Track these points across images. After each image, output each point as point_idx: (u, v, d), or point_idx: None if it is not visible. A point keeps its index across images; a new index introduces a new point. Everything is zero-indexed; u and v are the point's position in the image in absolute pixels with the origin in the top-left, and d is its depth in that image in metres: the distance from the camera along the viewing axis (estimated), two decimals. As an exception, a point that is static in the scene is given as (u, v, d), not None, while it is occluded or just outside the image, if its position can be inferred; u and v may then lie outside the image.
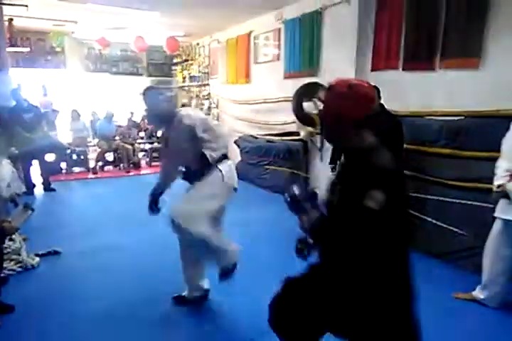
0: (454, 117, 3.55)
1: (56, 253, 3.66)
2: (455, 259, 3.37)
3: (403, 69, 4.16)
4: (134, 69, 10.43)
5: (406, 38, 4.05)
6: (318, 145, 5.53)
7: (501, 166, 2.55)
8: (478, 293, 2.76)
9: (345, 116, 1.39)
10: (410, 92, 4.10)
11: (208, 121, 2.61)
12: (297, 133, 5.76)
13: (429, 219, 3.65)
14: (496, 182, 2.52)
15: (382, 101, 3.55)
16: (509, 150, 2.55)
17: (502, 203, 2.54)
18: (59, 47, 8.91)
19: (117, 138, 8.04)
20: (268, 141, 6.46)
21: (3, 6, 5.79)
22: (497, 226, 2.62)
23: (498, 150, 2.98)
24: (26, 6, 5.66)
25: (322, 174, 5.49)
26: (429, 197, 3.67)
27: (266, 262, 3.41)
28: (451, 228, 3.46)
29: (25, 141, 5.54)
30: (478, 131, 3.29)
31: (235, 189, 2.70)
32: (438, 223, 3.57)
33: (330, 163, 4.26)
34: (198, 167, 2.57)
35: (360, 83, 1.44)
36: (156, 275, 3.19)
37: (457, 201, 3.45)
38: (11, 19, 6.33)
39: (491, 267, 2.66)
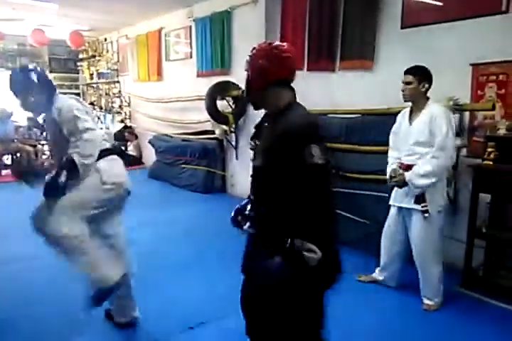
0: (352, 115, 3.85)
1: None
2: (359, 245, 3.66)
3: (308, 70, 4.39)
4: (33, 64, 9.58)
5: (309, 39, 4.28)
6: (234, 143, 5.63)
7: (391, 156, 2.85)
8: (378, 275, 3.04)
9: (268, 73, 1.45)
10: (316, 92, 4.34)
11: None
12: (212, 132, 5.79)
13: (339, 211, 3.92)
14: (388, 169, 2.79)
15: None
16: (394, 141, 2.84)
17: (395, 192, 2.83)
18: None
19: (16, 139, 7.34)
20: (183, 140, 6.41)
21: None
22: (391, 213, 2.91)
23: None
24: None
25: (238, 171, 5.60)
26: (337, 189, 3.94)
27: (178, 260, 3.41)
28: (354, 217, 3.77)
29: None
30: (373, 128, 3.62)
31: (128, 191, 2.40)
32: (343, 213, 3.85)
33: (251, 140, 4.37)
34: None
35: (282, 44, 1.53)
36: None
37: (358, 192, 3.76)
38: None
39: (387, 250, 2.94)
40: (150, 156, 7.56)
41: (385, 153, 3.49)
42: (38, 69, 2.33)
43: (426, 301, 2.70)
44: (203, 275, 3.15)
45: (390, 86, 3.57)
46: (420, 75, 2.56)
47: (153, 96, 7.35)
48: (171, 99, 6.75)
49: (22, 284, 3.02)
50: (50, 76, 9.47)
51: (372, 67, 3.77)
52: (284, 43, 1.55)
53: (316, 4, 4.15)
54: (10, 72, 2.27)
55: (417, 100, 2.62)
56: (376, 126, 3.59)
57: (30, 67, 2.33)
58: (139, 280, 2.95)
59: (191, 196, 5.78)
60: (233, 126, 5.52)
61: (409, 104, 2.69)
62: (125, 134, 8.18)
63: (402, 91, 2.63)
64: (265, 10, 4.66)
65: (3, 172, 7.37)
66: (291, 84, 1.51)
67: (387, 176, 2.79)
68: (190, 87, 6.28)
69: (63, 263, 2.23)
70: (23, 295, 2.86)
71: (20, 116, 7.85)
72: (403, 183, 2.61)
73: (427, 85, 2.56)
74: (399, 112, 3.03)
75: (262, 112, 1.65)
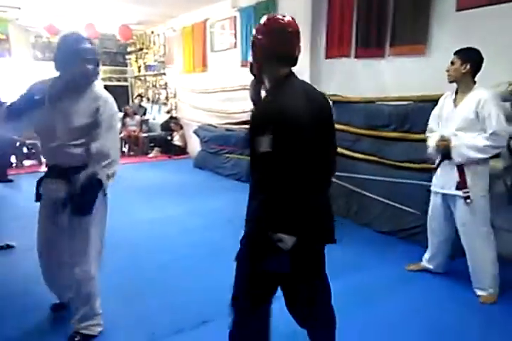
0: (403, 102, 3.72)
1: (9, 247, 3.51)
2: (409, 235, 3.57)
3: (355, 57, 4.29)
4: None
5: (357, 25, 4.18)
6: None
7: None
8: (427, 263, 2.98)
9: (263, 48, 1.48)
10: (363, 79, 4.25)
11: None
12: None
13: (382, 199, 3.84)
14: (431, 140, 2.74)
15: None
16: (436, 125, 2.82)
17: (437, 178, 2.76)
18: (2, 34, 8.39)
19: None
20: (227, 130, 6.48)
21: None
22: (434, 200, 2.83)
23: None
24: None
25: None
26: (381, 178, 3.85)
27: (224, 247, 3.47)
28: (403, 207, 3.67)
29: None
30: (426, 115, 3.47)
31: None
32: (391, 203, 3.77)
33: None
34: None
35: (281, 17, 1.50)
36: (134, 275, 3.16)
37: (407, 181, 3.65)
38: None
39: (434, 238, 2.89)
40: (195, 146, 7.72)
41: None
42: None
43: (479, 292, 2.60)
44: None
45: (443, 71, 3.43)
46: (464, 56, 2.51)
47: (198, 87, 7.47)
48: (215, 89, 6.84)
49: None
50: (101, 69, 9.94)
51: (424, 52, 3.62)
52: (286, 17, 1.50)
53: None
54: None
55: (461, 82, 2.57)
56: (428, 113, 3.45)
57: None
58: (190, 268, 3.08)
59: (235, 185, 5.85)
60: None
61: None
62: (171, 125, 8.39)
63: (447, 71, 2.60)
64: (312, -4, 4.58)
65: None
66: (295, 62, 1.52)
67: (431, 143, 2.72)
68: (234, 77, 6.31)
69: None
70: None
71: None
72: (446, 151, 2.57)
73: (468, 67, 2.49)
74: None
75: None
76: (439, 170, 2.76)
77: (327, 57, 4.62)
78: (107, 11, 7.20)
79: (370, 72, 4.16)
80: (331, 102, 1.67)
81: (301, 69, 4.64)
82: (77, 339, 2.10)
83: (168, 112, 8.81)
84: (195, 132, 7.23)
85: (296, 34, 1.50)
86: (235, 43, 6.30)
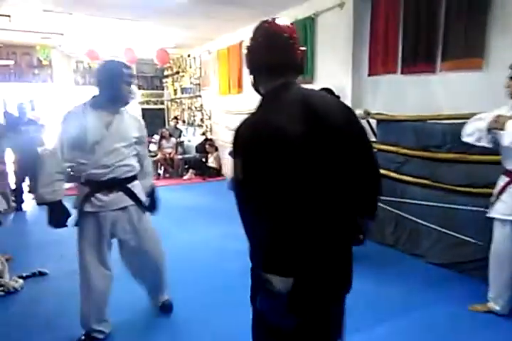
0: (458, 120, 3.39)
1: (42, 274, 3.41)
2: (469, 269, 3.17)
3: (402, 73, 4.03)
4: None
5: (404, 40, 3.93)
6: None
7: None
8: (494, 304, 2.58)
9: (249, 56, 1.35)
10: (410, 96, 3.97)
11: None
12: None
13: (437, 227, 3.47)
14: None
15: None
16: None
17: (501, 202, 2.43)
18: (46, 60, 8.74)
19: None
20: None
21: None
22: (498, 228, 2.48)
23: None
24: (8, 16, 5.50)
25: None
26: (435, 204, 3.50)
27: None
28: (462, 237, 3.29)
29: (24, 154, 5.56)
30: (486, 134, 3.14)
31: None
32: (447, 231, 3.39)
33: None
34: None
35: (267, 23, 1.31)
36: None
37: (466, 208, 3.29)
38: (-5, 31, 6.18)
39: (501, 273, 2.51)
40: (229, 168, 7.57)
41: (499, 163, 3.04)
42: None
43: None
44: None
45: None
46: None
47: (233, 109, 7.39)
48: (251, 110, 6.69)
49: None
50: (139, 93, 10.16)
51: (481, 66, 3.31)
52: (281, 21, 1.29)
53: (413, 2, 3.79)
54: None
55: None
56: (489, 132, 3.12)
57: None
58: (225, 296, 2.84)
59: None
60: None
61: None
62: (206, 146, 8.33)
63: (507, 87, 2.35)
64: (353, 12, 4.39)
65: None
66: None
67: (487, 122, 2.43)
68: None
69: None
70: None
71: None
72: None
73: None
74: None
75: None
76: (504, 193, 2.42)
77: (370, 74, 4.39)
78: (145, 35, 7.35)
79: (419, 88, 3.88)
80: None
81: (343, 88, 4.46)
82: None
83: (203, 134, 8.78)
84: (230, 154, 7.08)
85: (291, 39, 1.28)
86: (272, 63, 6.18)
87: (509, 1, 3.13)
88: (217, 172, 8.20)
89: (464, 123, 3.33)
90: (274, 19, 1.31)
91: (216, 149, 8.33)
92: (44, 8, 5.36)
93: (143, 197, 2.43)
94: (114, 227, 2.32)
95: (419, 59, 3.80)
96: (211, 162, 8.26)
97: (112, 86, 2.18)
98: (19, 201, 5.74)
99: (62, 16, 5.78)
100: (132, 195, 2.33)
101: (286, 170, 1.14)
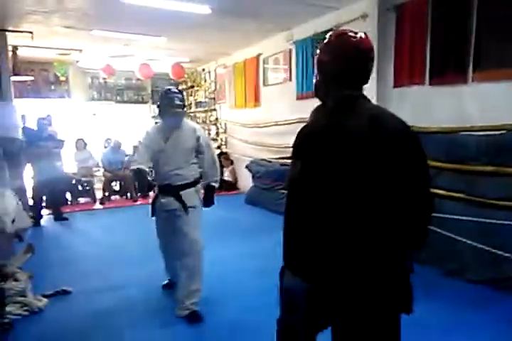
0: (493, 132, 3.29)
1: (65, 292, 3.31)
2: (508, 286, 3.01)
3: (430, 84, 3.95)
4: (138, 97, 10.34)
5: (432, 50, 3.86)
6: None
7: None
8: None
9: (318, 64, 1.35)
10: (439, 108, 3.88)
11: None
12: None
13: (475, 244, 3.32)
14: None
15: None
16: None
17: None
18: (63, 76, 8.83)
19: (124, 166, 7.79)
20: (282, 165, 6.19)
21: (9, 35, 5.69)
22: None
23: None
24: (31, 32, 5.56)
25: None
26: (473, 219, 3.36)
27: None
28: (500, 252, 3.14)
29: (43, 170, 5.62)
30: (525, 146, 3.03)
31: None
32: (486, 248, 3.25)
33: None
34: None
35: (343, 33, 1.32)
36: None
37: (506, 223, 3.14)
38: (16, 48, 6.24)
39: None
40: (245, 181, 7.50)
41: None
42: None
43: None
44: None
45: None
46: None
47: (249, 122, 7.35)
48: (267, 123, 6.67)
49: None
50: (153, 107, 10.19)
51: (517, 76, 3.22)
52: (357, 33, 1.29)
53: (442, 11, 3.73)
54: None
55: None
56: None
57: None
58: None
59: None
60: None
61: None
62: (221, 160, 8.26)
63: None
64: (377, 23, 4.35)
65: (112, 197, 7.84)
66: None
67: None
68: (288, 110, 6.12)
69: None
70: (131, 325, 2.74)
71: (126, 145, 8.36)
72: None
73: None
74: None
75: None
76: None
77: (396, 85, 4.31)
78: (161, 50, 7.39)
79: (449, 100, 3.79)
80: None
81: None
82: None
83: (218, 147, 8.73)
84: (247, 167, 7.02)
85: (366, 52, 1.30)
86: (290, 76, 6.16)
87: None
88: (232, 185, 8.12)
89: (500, 134, 3.25)
90: (350, 31, 1.32)
91: (232, 163, 8.27)
92: (65, 25, 5.41)
93: (191, 203, 2.82)
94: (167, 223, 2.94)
95: (449, 70, 3.71)
96: (227, 175, 8.18)
97: (164, 111, 2.81)
98: (37, 217, 5.69)
99: (82, 32, 5.83)
100: (180, 200, 2.79)
101: (348, 173, 1.20)
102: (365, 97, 1.32)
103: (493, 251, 3.19)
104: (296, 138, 1.39)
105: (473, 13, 3.47)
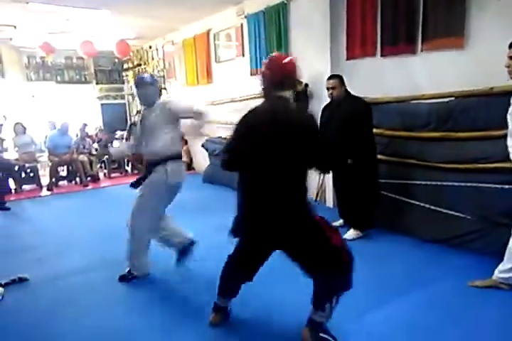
0: (442, 99, 3.47)
1: (22, 280, 3.13)
2: (463, 243, 3.26)
3: (382, 56, 4.06)
4: (80, 77, 9.77)
5: (382, 21, 3.95)
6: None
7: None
8: (501, 278, 2.53)
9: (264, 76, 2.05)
10: (391, 78, 4.00)
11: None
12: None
13: (427, 206, 3.54)
14: None
15: (348, 88, 3.66)
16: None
17: None
18: (-5, 55, 8.11)
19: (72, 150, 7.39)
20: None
21: None
22: None
23: (496, 128, 2.94)
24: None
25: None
26: (423, 182, 3.57)
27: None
28: (451, 212, 3.37)
29: None
30: (472, 111, 3.23)
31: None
32: (437, 209, 3.47)
33: None
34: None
35: (277, 58, 2.08)
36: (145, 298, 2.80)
37: (453, 184, 3.37)
38: None
39: None
40: (201, 161, 7.41)
41: (488, 138, 3.13)
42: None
43: None
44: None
45: (488, 64, 3.19)
46: None
47: (202, 100, 7.19)
48: (222, 100, 6.57)
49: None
50: (97, 87, 9.71)
51: (463, 45, 3.38)
52: (284, 57, 2.05)
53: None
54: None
55: None
56: (475, 109, 3.20)
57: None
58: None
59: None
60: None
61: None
62: (174, 140, 8.07)
63: (507, 67, 2.29)
64: (330, -4, 4.36)
65: (60, 183, 7.45)
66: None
67: None
68: (243, 86, 6.06)
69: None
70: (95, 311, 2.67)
71: (73, 129, 7.91)
72: None
73: None
74: (506, 92, 2.68)
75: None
76: None
77: (348, 58, 4.39)
78: (103, 26, 6.97)
79: (400, 70, 3.92)
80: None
81: (321, 73, 4.43)
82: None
83: (170, 127, 8.50)
84: (203, 145, 6.92)
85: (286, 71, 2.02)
86: (243, 52, 6.07)
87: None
88: (188, 165, 7.98)
89: (449, 102, 3.43)
90: (277, 56, 2.16)
91: (186, 142, 8.11)
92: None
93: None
94: None
95: (399, 40, 3.83)
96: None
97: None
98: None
99: (16, 5, 5.33)
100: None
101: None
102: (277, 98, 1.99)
103: (444, 211, 3.42)
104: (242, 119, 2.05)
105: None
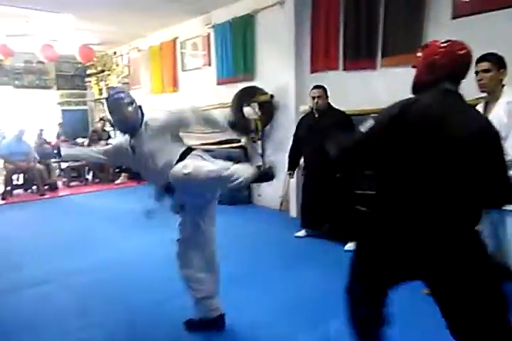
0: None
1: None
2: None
3: (344, 70, 4.19)
4: (40, 81, 9.43)
5: (345, 36, 4.09)
6: (260, 151, 5.38)
7: None
8: None
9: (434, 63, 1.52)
10: (354, 92, 4.14)
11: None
12: (237, 140, 5.54)
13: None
14: None
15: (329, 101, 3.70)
16: None
17: None
18: None
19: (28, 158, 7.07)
20: (206, 151, 6.11)
21: None
22: None
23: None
24: None
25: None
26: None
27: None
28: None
29: None
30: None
31: None
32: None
33: None
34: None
35: (446, 43, 1.51)
36: (106, 304, 2.71)
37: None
38: None
39: None
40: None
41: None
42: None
43: None
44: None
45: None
46: (498, 61, 2.36)
47: (168, 108, 7.12)
48: (188, 109, 6.52)
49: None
50: (58, 93, 9.40)
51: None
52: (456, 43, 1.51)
53: (352, 1, 3.96)
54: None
55: (495, 89, 2.39)
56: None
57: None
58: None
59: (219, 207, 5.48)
60: (259, 133, 5.28)
61: (482, 94, 2.47)
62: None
63: (479, 81, 2.40)
64: (294, 10, 4.47)
65: (15, 192, 7.11)
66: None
67: None
68: (209, 95, 6.07)
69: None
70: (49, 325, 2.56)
71: (28, 134, 7.58)
72: None
73: (505, 72, 2.36)
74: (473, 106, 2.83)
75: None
76: None
77: (312, 71, 4.50)
78: (66, 30, 6.79)
79: (362, 84, 4.07)
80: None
81: (286, 85, 4.52)
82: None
83: (134, 136, 8.34)
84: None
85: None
86: (209, 61, 6.09)
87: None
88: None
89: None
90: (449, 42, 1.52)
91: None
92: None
93: None
94: None
95: (361, 56, 3.98)
96: (146, 165, 7.88)
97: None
98: None
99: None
100: None
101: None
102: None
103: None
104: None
105: (381, 2, 3.75)
